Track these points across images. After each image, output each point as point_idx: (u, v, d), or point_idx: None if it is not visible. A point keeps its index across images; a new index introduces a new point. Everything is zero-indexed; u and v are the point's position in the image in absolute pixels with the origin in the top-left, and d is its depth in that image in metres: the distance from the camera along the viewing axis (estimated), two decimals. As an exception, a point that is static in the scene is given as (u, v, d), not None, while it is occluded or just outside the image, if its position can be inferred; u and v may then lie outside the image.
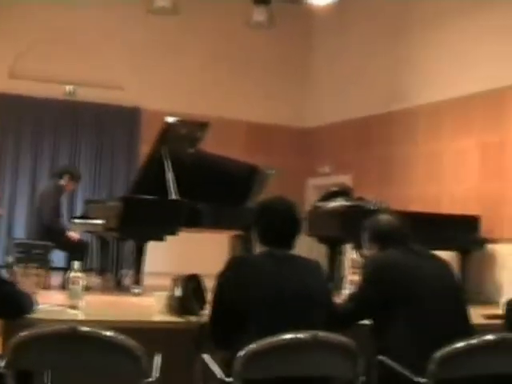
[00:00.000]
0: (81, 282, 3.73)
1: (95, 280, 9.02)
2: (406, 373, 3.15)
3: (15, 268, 4.33)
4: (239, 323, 3.12)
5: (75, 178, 9.42)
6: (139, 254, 7.94)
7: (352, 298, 3.66)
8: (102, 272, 9.20)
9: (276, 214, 3.44)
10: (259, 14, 11.64)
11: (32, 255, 8.25)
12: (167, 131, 8.37)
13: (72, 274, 3.73)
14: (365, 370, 3.01)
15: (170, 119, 8.37)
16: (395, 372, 3.21)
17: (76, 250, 8.60)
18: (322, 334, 2.89)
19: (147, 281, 7.84)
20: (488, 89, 10.15)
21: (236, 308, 3.15)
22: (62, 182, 9.22)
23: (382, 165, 12.25)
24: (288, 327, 2.95)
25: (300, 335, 2.86)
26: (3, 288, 3.44)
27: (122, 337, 2.82)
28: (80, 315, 3.67)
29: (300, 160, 13.73)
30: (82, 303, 3.74)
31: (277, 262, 3.30)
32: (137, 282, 7.81)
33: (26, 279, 3.86)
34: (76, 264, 3.78)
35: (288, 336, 2.86)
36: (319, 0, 11.10)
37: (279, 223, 3.40)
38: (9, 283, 3.51)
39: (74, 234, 8.93)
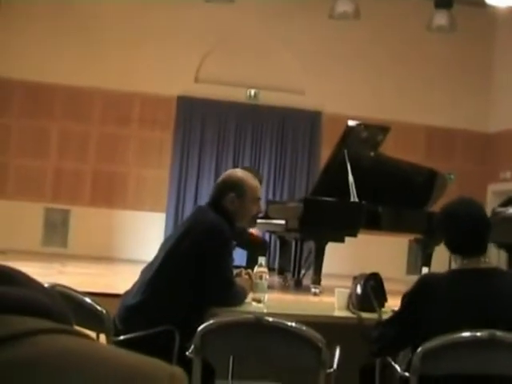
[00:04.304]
0: (265, 277, 3.90)
1: (275, 279, 9.25)
2: None
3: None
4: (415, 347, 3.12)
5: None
6: (319, 254, 8.08)
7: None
8: (281, 272, 9.41)
9: (462, 220, 3.20)
10: (440, 18, 11.56)
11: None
12: (349, 134, 8.47)
13: (257, 269, 3.91)
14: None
15: (352, 122, 8.47)
16: None
17: (257, 249, 8.85)
18: (499, 333, 2.91)
19: (325, 282, 7.97)
20: None
21: (417, 330, 3.17)
22: None
23: None
24: None
25: (478, 333, 2.90)
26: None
27: (304, 328, 2.96)
28: (264, 308, 3.85)
29: (481, 165, 13.50)
30: (265, 297, 3.92)
31: (468, 281, 3.16)
32: (316, 282, 7.94)
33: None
34: (262, 259, 3.96)
35: (466, 334, 2.90)
36: (501, 2, 10.86)
37: (467, 229, 3.18)
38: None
39: (255, 231, 9.17)
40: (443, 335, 2.93)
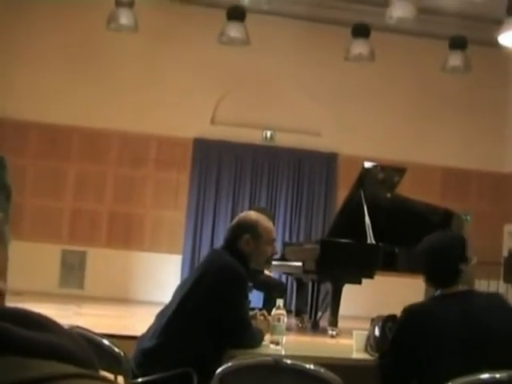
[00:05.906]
0: (283, 319, 3.90)
1: (292, 321, 9.21)
2: None
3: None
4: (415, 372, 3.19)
5: None
6: (336, 296, 8.05)
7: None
8: (298, 313, 9.37)
9: (430, 254, 3.61)
10: (455, 59, 11.62)
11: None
12: (365, 176, 8.48)
13: (275, 311, 3.91)
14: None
15: (368, 164, 8.49)
16: None
17: (274, 291, 8.83)
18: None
19: (342, 324, 7.94)
20: None
21: (413, 358, 3.23)
22: None
23: None
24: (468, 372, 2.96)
25: (497, 375, 2.89)
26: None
27: (323, 370, 2.95)
28: (282, 350, 3.84)
29: (497, 205, 13.44)
30: (283, 339, 3.91)
31: (448, 304, 3.34)
32: (333, 323, 7.92)
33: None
34: (280, 302, 3.96)
35: (485, 376, 2.89)
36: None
37: (433, 263, 3.54)
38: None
39: (268, 273, 9.15)
40: (460, 377, 2.91)
